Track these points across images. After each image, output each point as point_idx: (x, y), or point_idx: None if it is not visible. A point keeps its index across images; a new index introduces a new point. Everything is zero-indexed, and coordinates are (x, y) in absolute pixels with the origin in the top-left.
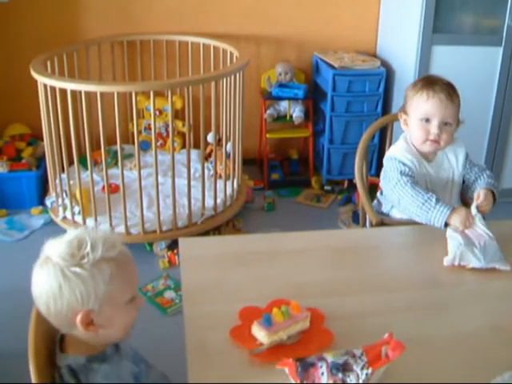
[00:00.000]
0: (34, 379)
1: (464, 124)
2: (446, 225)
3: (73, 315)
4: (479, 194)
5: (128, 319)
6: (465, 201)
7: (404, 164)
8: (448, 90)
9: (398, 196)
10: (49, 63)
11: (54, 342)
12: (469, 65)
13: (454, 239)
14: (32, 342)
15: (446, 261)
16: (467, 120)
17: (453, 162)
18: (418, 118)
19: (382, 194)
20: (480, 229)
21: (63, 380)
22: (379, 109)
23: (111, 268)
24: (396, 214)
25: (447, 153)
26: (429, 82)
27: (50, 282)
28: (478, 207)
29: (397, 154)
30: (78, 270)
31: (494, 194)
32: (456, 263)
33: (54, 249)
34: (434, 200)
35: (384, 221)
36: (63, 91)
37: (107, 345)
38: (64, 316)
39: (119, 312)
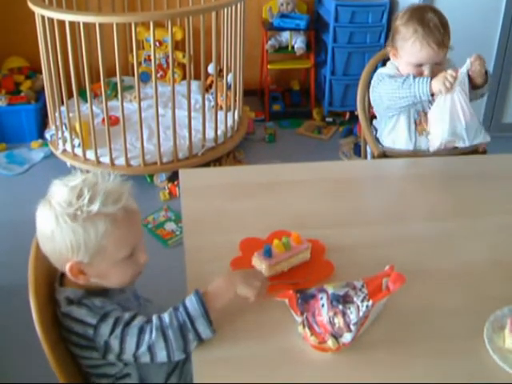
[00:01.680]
0: (34, 314)
1: (462, 54)
2: (432, 95)
3: (63, 261)
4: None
5: (123, 275)
6: None
7: (391, 75)
8: (440, 35)
9: (380, 93)
10: None
11: (54, 277)
12: None
13: (437, 125)
14: (32, 277)
15: (432, 148)
16: (470, 52)
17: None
18: (410, 62)
19: (376, 119)
20: (461, 99)
21: (62, 310)
22: (382, 40)
23: (106, 224)
24: (386, 137)
25: None
26: (420, 23)
27: (44, 224)
28: (470, 66)
29: (384, 70)
30: (70, 220)
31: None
32: (442, 148)
33: (57, 192)
34: (411, 76)
35: (386, 152)
36: (61, 23)
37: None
38: (56, 258)
39: (113, 267)
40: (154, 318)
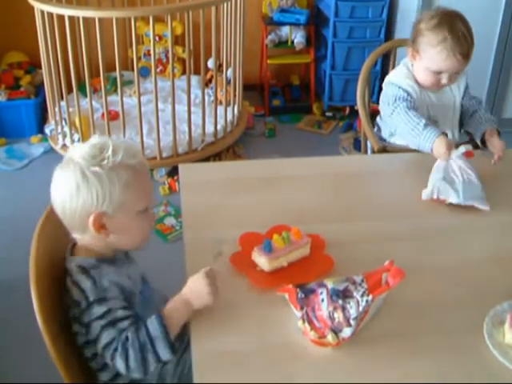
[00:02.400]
0: (35, 305)
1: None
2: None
3: (86, 216)
4: (497, 147)
5: (140, 230)
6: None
7: (403, 89)
8: (467, 47)
9: (394, 122)
10: None
11: (55, 267)
12: None
13: (436, 172)
14: (33, 269)
15: (425, 194)
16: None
17: (455, 90)
18: (430, 69)
19: (381, 118)
20: (465, 165)
21: (72, 278)
22: (382, 35)
23: (128, 174)
24: (393, 139)
25: None
26: (449, 31)
27: (69, 181)
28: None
29: (397, 79)
30: (97, 169)
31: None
32: (434, 196)
33: (77, 150)
34: (422, 125)
35: (386, 147)
36: (61, 17)
37: (117, 251)
38: (78, 217)
39: (131, 220)
40: (124, 333)
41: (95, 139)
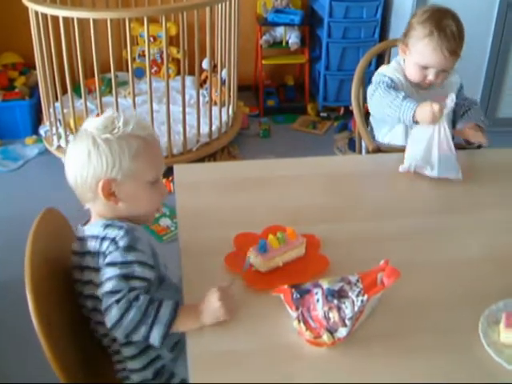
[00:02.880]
0: (31, 308)
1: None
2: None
3: (96, 183)
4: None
5: (149, 200)
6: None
7: (388, 77)
8: (455, 44)
9: (374, 103)
10: None
11: (51, 268)
12: None
13: (418, 143)
14: (28, 270)
15: (402, 168)
16: (465, 45)
17: (448, 90)
18: (417, 62)
19: (372, 116)
20: (443, 132)
21: (98, 237)
22: (376, 35)
23: (138, 144)
24: (382, 138)
25: None
26: (438, 25)
27: (81, 150)
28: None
29: (385, 71)
30: (108, 135)
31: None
32: (411, 170)
33: (91, 122)
34: (401, 97)
35: (380, 147)
36: (55, 18)
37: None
38: (88, 184)
39: (140, 190)
40: (133, 292)
41: (109, 112)
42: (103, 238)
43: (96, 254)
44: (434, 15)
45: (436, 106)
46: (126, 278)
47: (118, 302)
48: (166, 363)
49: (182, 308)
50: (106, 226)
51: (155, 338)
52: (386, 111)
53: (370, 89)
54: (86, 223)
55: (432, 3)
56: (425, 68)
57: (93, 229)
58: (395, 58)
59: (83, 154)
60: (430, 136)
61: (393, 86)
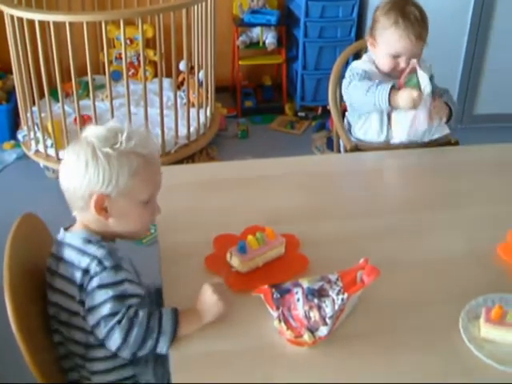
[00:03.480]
0: (10, 315)
1: (434, 46)
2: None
3: (89, 195)
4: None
5: (140, 220)
6: None
7: (361, 69)
8: (420, 28)
9: (350, 93)
10: None
11: (30, 274)
12: None
13: (398, 127)
14: (7, 276)
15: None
16: (442, 44)
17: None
18: (387, 52)
19: (348, 112)
20: (422, 116)
21: (78, 249)
22: (353, 34)
23: (138, 162)
24: (358, 130)
25: None
26: (401, 13)
27: (78, 158)
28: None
29: (357, 65)
30: (108, 150)
31: (450, 109)
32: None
33: (92, 131)
34: (375, 84)
35: (358, 146)
36: (31, 22)
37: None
38: (81, 194)
39: (132, 208)
40: (132, 309)
41: (113, 123)
42: (84, 253)
43: (73, 266)
44: (396, 5)
45: (415, 93)
46: (120, 298)
47: (119, 322)
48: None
49: (181, 313)
50: (87, 241)
51: (162, 348)
52: (362, 100)
53: (345, 82)
54: (68, 228)
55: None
56: (395, 57)
57: (74, 238)
58: (367, 53)
59: (81, 162)
60: (411, 120)
61: (366, 76)
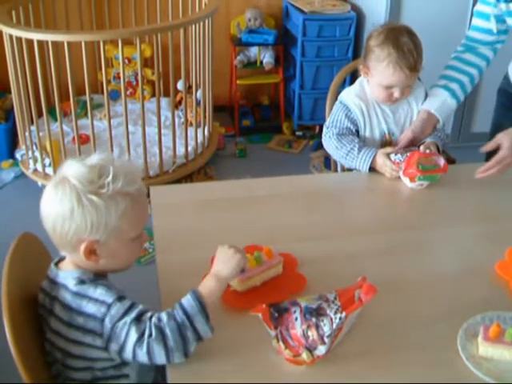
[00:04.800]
0: (9, 335)
1: (431, 65)
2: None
3: (77, 241)
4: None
5: (130, 255)
6: None
7: (349, 110)
8: (413, 60)
9: (329, 150)
10: (14, 13)
11: (29, 294)
12: (440, 7)
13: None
14: (5, 295)
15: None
16: (439, 64)
17: (412, 104)
18: (381, 83)
19: None
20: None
21: (71, 290)
22: (350, 53)
23: (126, 203)
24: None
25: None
26: (395, 45)
27: (62, 204)
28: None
29: (346, 97)
30: (94, 198)
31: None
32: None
33: (74, 170)
34: (356, 149)
35: None
36: (30, 42)
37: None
38: (68, 239)
39: (123, 247)
40: (154, 317)
41: (93, 160)
42: (82, 297)
43: (72, 310)
44: (389, 35)
45: (394, 172)
46: (138, 317)
47: (150, 336)
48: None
49: (200, 288)
50: (81, 282)
51: (205, 331)
52: (341, 160)
53: (324, 129)
54: (58, 262)
55: (404, 22)
56: (389, 87)
57: (66, 278)
58: (360, 78)
59: (66, 208)
60: None
61: (346, 132)
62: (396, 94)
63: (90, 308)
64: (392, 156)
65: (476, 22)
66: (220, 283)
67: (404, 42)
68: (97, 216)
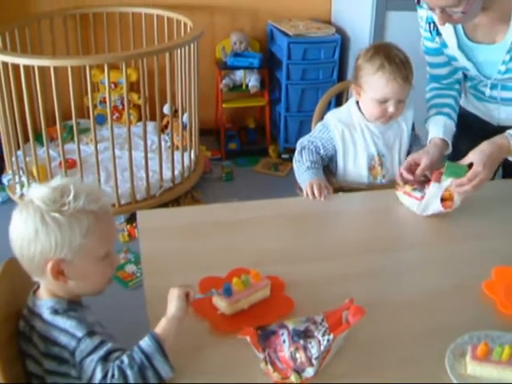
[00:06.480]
0: None
1: (415, 89)
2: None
3: (44, 262)
4: None
5: (100, 276)
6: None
7: (328, 133)
8: (406, 71)
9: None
10: (0, 38)
11: (15, 322)
12: None
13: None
14: None
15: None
16: (424, 86)
17: (401, 124)
18: (374, 98)
19: None
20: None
21: (49, 323)
22: (335, 76)
23: (89, 220)
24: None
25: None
26: (386, 57)
27: (27, 225)
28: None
29: (330, 120)
30: (57, 215)
31: None
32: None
33: (38, 192)
34: (304, 167)
35: (342, 187)
36: (16, 67)
37: (80, 297)
38: (36, 262)
39: (91, 267)
40: (117, 360)
41: (57, 181)
42: (54, 327)
43: (47, 340)
44: (379, 50)
45: (316, 196)
46: (105, 357)
47: (113, 377)
48: None
49: (157, 328)
50: (55, 312)
51: (164, 369)
52: (296, 173)
53: (298, 145)
54: (36, 290)
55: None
56: (383, 102)
57: (41, 307)
58: (351, 99)
59: (30, 229)
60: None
61: (311, 148)
62: (391, 108)
63: (62, 339)
64: (413, 193)
65: (429, 59)
66: (170, 322)
67: (395, 54)
68: (61, 234)
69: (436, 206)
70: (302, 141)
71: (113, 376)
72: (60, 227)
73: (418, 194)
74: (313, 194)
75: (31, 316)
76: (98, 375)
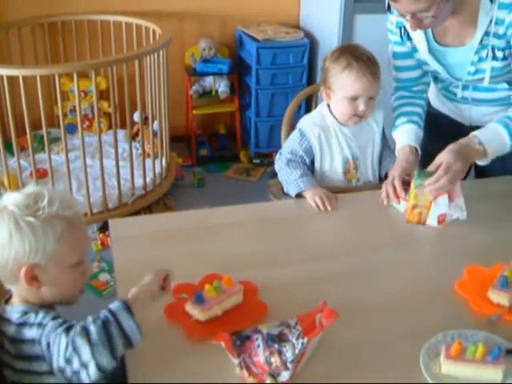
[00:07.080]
0: None
1: (383, 89)
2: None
3: (18, 268)
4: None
5: (72, 284)
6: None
7: (306, 138)
8: (373, 67)
9: (277, 168)
10: None
11: None
12: None
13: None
14: None
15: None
16: (391, 89)
17: (373, 125)
18: (345, 96)
19: None
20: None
21: (15, 322)
22: (304, 80)
23: (63, 226)
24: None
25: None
26: (352, 56)
27: (1, 231)
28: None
29: (305, 125)
30: (31, 219)
31: None
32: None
33: (12, 199)
34: (297, 175)
35: None
36: None
37: (53, 305)
38: (9, 267)
39: (64, 274)
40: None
41: (30, 189)
42: (24, 325)
43: (16, 341)
44: (345, 50)
45: (327, 207)
46: (69, 328)
47: (75, 334)
48: None
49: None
50: (24, 314)
51: (130, 326)
52: (283, 184)
53: (277, 154)
54: (8, 300)
55: (351, 44)
56: (353, 99)
57: (11, 312)
58: (322, 103)
59: (4, 235)
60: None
61: (297, 160)
62: (361, 106)
63: (30, 334)
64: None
65: (398, 63)
66: (141, 289)
67: (361, 53)
68: (35, 238)
69: (433, 221)
70: (282, 154)
71: (75, 334)
72: (34, 231)
73: (404, 195)
74: (323, 204)
75: (1, 322)
76: (63, 342)
